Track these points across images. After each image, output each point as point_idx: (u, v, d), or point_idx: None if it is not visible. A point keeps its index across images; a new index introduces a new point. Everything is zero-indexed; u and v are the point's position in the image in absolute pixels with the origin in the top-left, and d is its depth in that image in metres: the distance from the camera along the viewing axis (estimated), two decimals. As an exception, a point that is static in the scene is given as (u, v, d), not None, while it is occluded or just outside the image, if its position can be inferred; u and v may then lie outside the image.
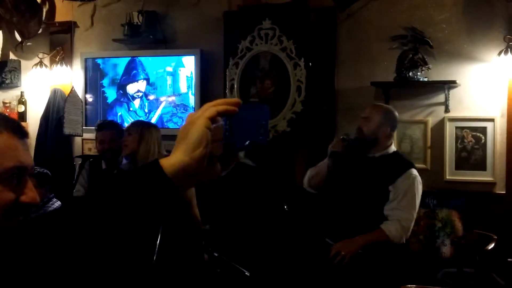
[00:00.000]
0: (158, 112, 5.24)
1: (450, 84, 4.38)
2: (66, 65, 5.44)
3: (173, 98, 5.19)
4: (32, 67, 5.49)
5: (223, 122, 0.99)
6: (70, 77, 5.49)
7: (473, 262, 3.78)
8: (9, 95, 5.71)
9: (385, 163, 3.49)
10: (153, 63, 5.26)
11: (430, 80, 4.42)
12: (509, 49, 4.14)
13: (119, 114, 5.37)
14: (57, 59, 5.46)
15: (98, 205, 0.97)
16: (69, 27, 5.45)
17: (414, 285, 2.85)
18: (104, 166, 4.23)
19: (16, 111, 5.58)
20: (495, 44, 4.26)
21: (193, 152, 0.96)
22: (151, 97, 5.27)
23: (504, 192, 4.30)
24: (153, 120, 5.13)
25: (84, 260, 0.93)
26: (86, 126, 5.27)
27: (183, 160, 0.96)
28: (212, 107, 0.98)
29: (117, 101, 5.40)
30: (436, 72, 4.43)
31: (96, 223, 0.94)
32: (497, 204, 4.27)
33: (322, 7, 4.70)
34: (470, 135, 4.36)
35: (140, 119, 5.01)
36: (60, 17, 5.51)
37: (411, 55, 4.38)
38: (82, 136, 5.32)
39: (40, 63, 5.47)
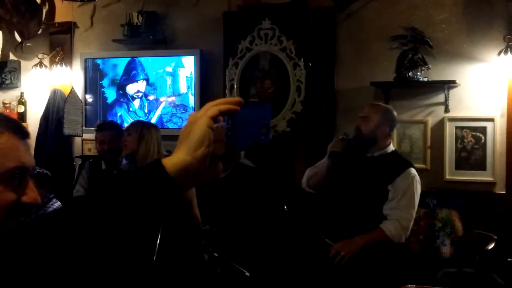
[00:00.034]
0: (158, 112, 5.24)
1: (450, 84, 4.38)
2: (66, 66, 5.44)
3: (173, 98, 5.19)
4: (32, 68, 5.49)
5: (225, 121, 0.99)
6: (70, 78, 5.49)
7: (473, 262, 3.78)
8: (9, 96, 5.71)
9: (384, 163, 3.49)
10: (153, 64, 5.25)
11: (430, 80, 4.42)
12: (509, 49, 4.15)
13: (118, 114, 5.37)
14: (57, 60, 5.46)
15: (98, 205, 0.97)
16: (69, 28, 5.44)
17: (414, 285, 2.85)
18: (104, 166, 4.22)
19: (16, 111, 5.58)
20: (495, 44, 4.26)
21: (195, 151, 0.96)
22: (151, 98, 5.26)
23: (504, 192, 4.30)
24: (153, 121, 5.12)
25: (84, 261, 0.93)
26: (85, 127, 5.27)
27: (185, 160, 0.96)
28: (214, 107, 0.98)
29: (117, 102, 5.40)
30: (436, 72, 4.43)
31: (96, 223, 0.94)
32: (497, 204, 4.27)
33: (321, 7, 4.70)
34: (470, 135, 4.36)
35: (139, 119, 5.00)
36: (60, 17, 5.51)
37: (411, 55, 4.38)
38: (81, 136, 5.31)
39: (40, 63, 5.47)
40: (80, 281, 0.93)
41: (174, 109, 5.18)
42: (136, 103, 5.31)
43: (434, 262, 4.03)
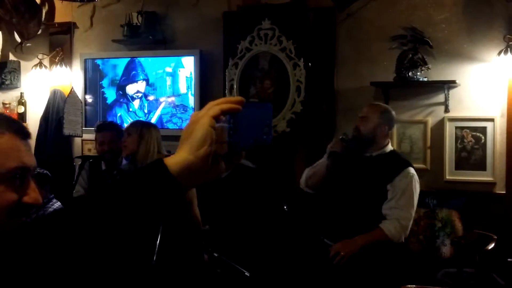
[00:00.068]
0: (158, 112, 5.24)
1: (450, 84, 4.38)
2: (66, 66, 5.44)
3: (173, 98, 5.19)
4: (32, 68, 5.49)
5: (227, 120, 0.99)
6: (69, 78, 5.49)
7: (473, 262, 3.78)
8: (9, 96, 5.71)
9: (382, 162, 3.49)
10: (153, 64, 5.25)
11: (429, 80, 4.42)
12: (509, 49, 4.15)
13: (118, 114, 5.37)
14: (56, 60, 5.46)
15: (99, 205, 0.97)
16: (68, 28, 5.44)
17: (414, 285, 2.85)
18: (104, 167, 4.22)
19: (15, 112, 5.58)
20: (495, 44, 4.26)
21: (197, 150, 0.96)
22: (151, 98, 5.26)
23: (504, 192, 4.30)
24: (153, 121, 5.12)
25: (84, 261, 0.93)
26: (85, 127, 5.26)
27: (187, 159, 0.96)
28: (215, 106, 0.98)
29: (117, 102, 5.40)
30: (435, 72, 4.43)
31: (97, 224, 0.94)
32: (497, 204, 4.27)
33: (321, 7, 4.70)
34: (470, 135, 4.36)
35: (139, 119, 5.00)
36: (59, 18, 5.52)
37: (410, 55, 4.38)
38: (81, 136, 5.31)
39: (40, 64, 5.47)
40: (80, 281, 0.93)
41: (174, 109, 5.18)
42: (136, 103, 5.31)
43: (434, 262, 4.03)
